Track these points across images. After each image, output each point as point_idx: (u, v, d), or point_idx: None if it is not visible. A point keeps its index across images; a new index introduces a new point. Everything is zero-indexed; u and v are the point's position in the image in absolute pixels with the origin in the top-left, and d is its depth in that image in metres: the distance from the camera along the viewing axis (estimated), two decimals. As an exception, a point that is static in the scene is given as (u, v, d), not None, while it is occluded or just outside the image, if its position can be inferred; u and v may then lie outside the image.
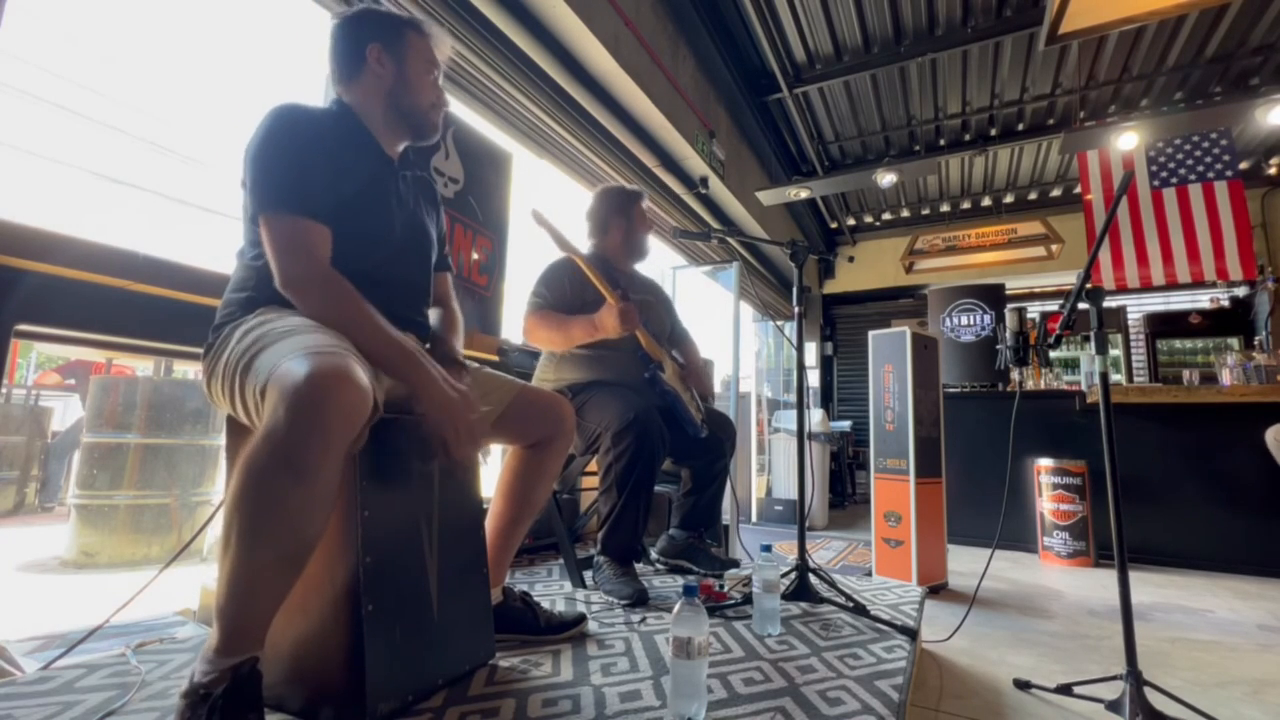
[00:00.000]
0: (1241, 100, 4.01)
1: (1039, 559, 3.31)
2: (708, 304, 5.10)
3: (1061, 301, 1.47)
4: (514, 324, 1.89)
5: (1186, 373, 3.81)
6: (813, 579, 1.68)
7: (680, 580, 1.83)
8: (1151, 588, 2.70)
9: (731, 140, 4.70)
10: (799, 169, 5.97)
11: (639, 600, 1.54)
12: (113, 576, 2.87)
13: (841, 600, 1.59)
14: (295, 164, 0.99)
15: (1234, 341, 5.83)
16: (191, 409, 3.35)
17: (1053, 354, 5.45)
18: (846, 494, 5.97)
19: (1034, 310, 7.07)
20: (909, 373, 2.59)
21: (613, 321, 1.63)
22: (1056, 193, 6.51)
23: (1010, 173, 6.21)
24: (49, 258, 1.21)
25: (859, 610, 1.52)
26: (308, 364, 0.79)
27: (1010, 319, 1.88)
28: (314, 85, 2.07)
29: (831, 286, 7.80)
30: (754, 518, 4.68)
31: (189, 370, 4.08)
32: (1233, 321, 5.95)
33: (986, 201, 6.77)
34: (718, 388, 4.00)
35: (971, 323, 4.20)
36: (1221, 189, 4.36)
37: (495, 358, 2.24)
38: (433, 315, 1.30)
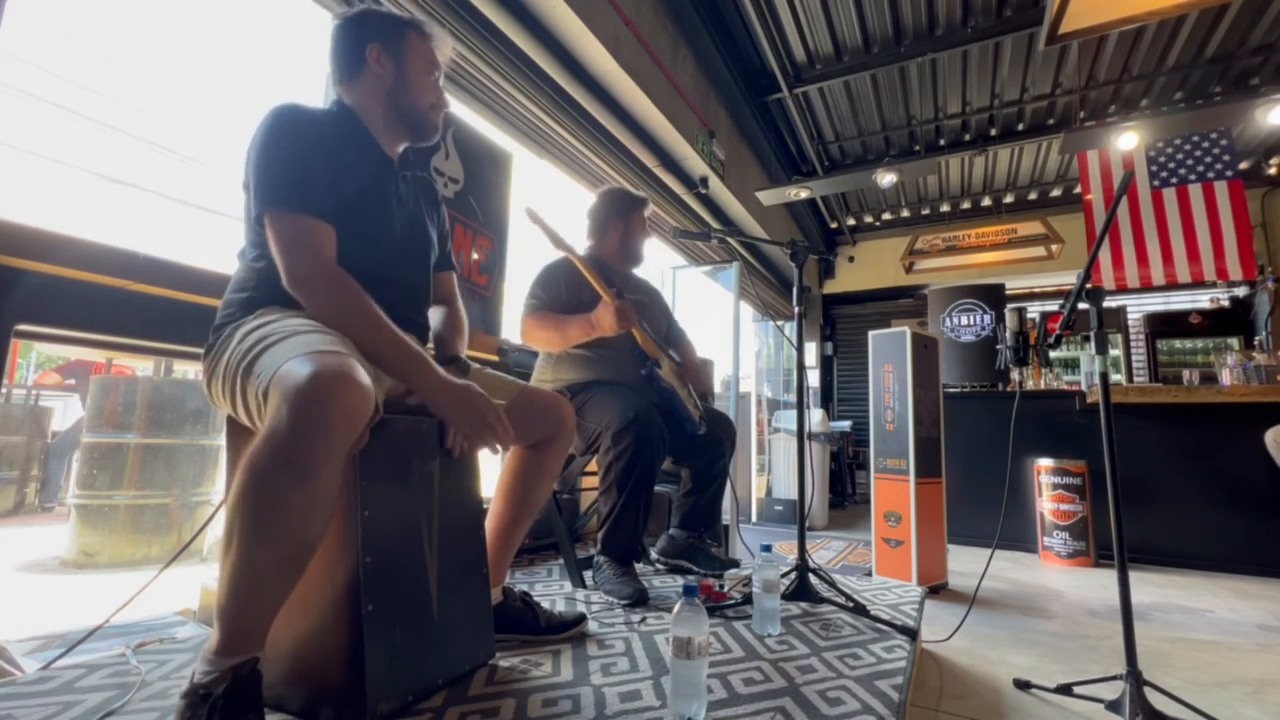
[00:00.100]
0: (1241, 100, 4.01)
1: (1039, 559, 3.31)
2: (708, 304, 5.12)
3: (1061, 301, 1.47)
4: (514, 324, 1.89)
5: (1186, 373, 3.81)
6: (813, 579, 1.68)
7: (680, 580, 1.83)
8: (1151, 588, 2.70)
9: (731, 140, 4.70)
10: (799, 169, 5.97)
11: (639, 600, 1.54)
12: (113, 576, 2.87)
13: (841, 600, 1.59)
14: (297, 163, 0.99)
15: (1234, 341, 5.83)
16: (191, 409, 3.35)
17: (1053, 354, 5.45)
18: (846, 494, 5.97)
19: (1034, 310, 7.07)
20: (909, 373, 2.59)
21: (609, 319, 1.63)
22: (1056, 193, 6.51)
23: (1010, 173, 6.21)
24: (49, 258, 1.22)
25: (859, 610, 1.52)
26: (310, 365, 0.79)
27: (1010, 319, 1.88)
28: (314, 85, 2.07)
29: (831, 286, 7.80)
30: (754, 518, 4.68)
31: (189, 370, 4.08)
32: (1233, 321, 5.95)
33: (986, 201, 6.77)
34: (718, 388, 4.00)
35: (971, 323, 4.20)
36: (1221, 189, 4.36)
37: (495, 358, 2.24)
38: (436, 315, 1.30)
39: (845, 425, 6.36)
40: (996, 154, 5.69)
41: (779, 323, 6.88)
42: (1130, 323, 6.49)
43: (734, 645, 1.29)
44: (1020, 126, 5.22)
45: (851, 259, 7.69)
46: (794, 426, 4.17)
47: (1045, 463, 3.36)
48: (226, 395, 0.96)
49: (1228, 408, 3.11)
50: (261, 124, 1.01)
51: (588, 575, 1.73)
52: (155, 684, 1.00)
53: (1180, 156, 4.50)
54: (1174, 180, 4.49)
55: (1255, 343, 5.19)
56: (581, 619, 1.33)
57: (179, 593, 1.72)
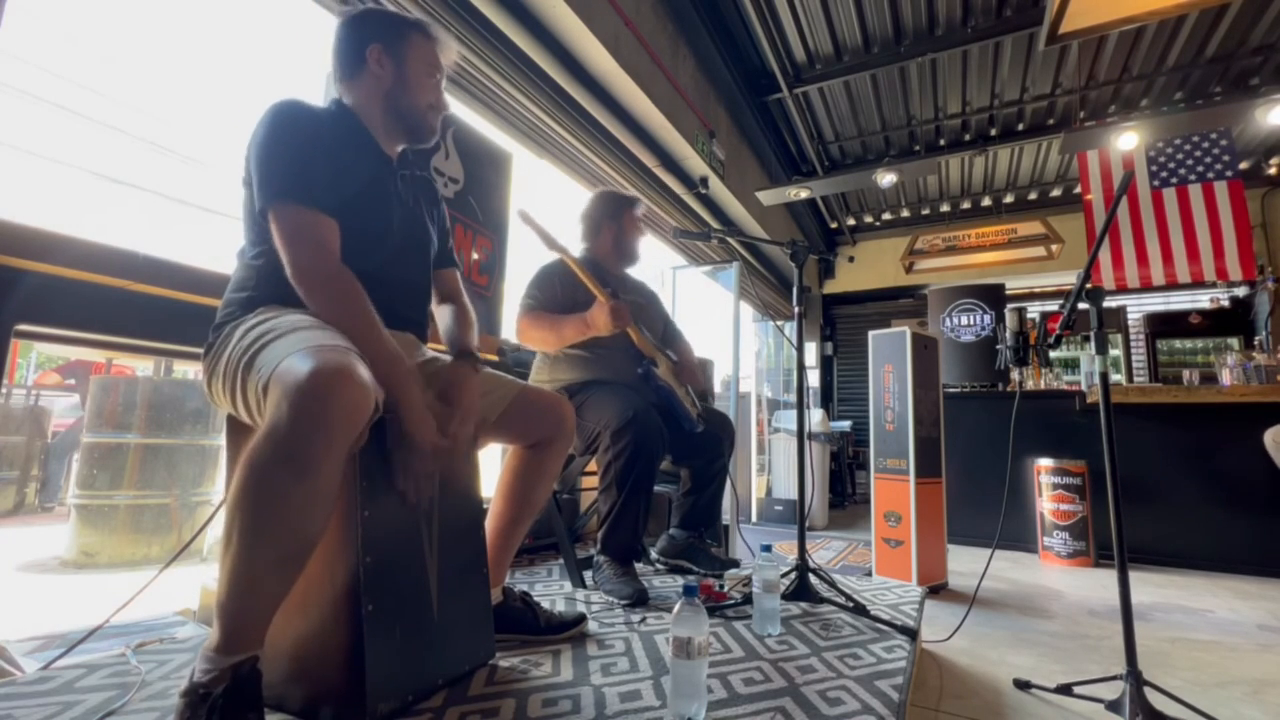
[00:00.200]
0: (1241, 100, 4.01)
1: (1039, 559, 3.31)
2: (708, 304, 5.11)
3: (1061, 301, 1.47)
4: (512, 324, 1.89)
5: (1186, 373, 3.81)
6: (813, 579, 1.68)
7: (680, 580, 1.83)
8: (1151, 588, 2.70)
9: (731, 140, 4.70)
10: (799, 169, 5.98)
11: (639, 600, 1.54)
12: (113, 576, 2.87)
13: (841, 600, 1.59)
14: (300, 157, 0.99)
15: (1234, 341, 5.83)
16: (191, 409, 3.35)
17: (1053, 354, 5.45)
18: (846, 494, 5.97)
19: (1034, 310, 7.08)
20: (909, 373, 2.59)
21: (604, 318, 1.64)
22: (1056, 193, 6.51)
23: (1010, 173, 6.21)
24: (49, 258, 1.22)
25: (859, 610, 1.52)
26: (311, 361, 0.79)
27: (1010, 319, 1.88)
28: (314, 85, 2.07)
29: (831, 286, 7.80)
30: (754, 518, 4.68)
31: (189, 370, 4.08)
32: (1233, 321, 5.95)
33: (986, 201, 6.77)
34: (718, 388, 4.00)
35: (971, 323, 4.20)
36: (1221, 189, 4.36)
37: (495, 358, 2.24)
38: (446, 312, 1.30)
39: (845, 425, 6.36)
40: (996, 154, 5.69)
41: (779, 323, 6.88)
42: (1130, 323, 6.49)
43: (734, 645, 1.29)
44: (1020, 126, 5.22)
45: (851, 259, 7.69)
46: (794, 426, 4.17)
47: (1045, 463, 3.36)
48: (227, 393, 0.95)
49: (1228, 408, 3.11)
50: (262, 119, 1.01)
51: (588, 575, 1.73)
52: (155, 684, 1.00)
53: (1180, 156, 4.50)
54: (1174, 180, 4.49)
55: (1255, 343, 5.19)
56: (581, 619, 1.33)
57: (179, 593, 1.72)
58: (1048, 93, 4.77)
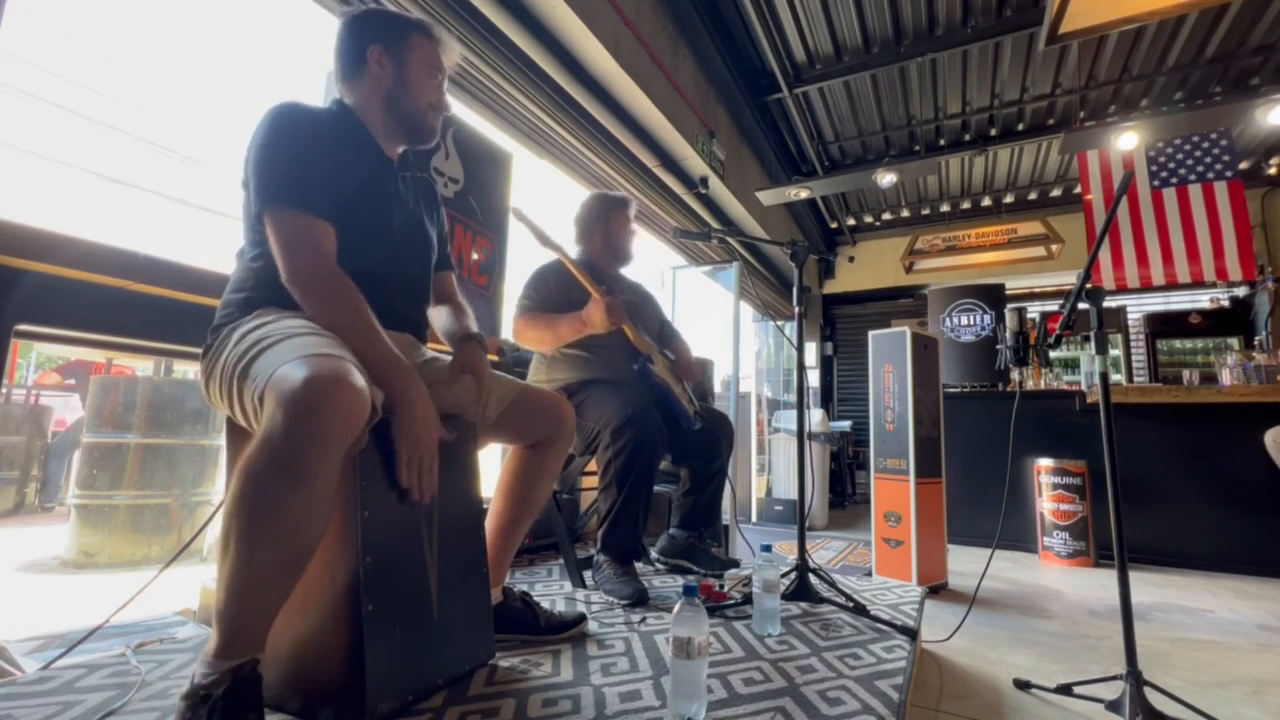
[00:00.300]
0: (1241, 100, 4.01)
1: (1039, 559, 3.31)
2: (708, 304, 5.11)
3: (1061, 301, 1.47)
4: (513, 324, 1.90)
5: (1186, 373, 3.81)
6: (813, 579, 1.68)
7: (680, 580, 1.83)
8: (1151, 588, 2.70)
9: (731, 140, 4.70)
10: (799, 169, 5.97)
11: (639, 600, 1.54)
12: (113, 576, 2.87)
13: (841, 600, 1.59)
14: (297, 160, 0.99)
15: (1234, 341, 5.83)
16: (191, 409, 3.35)
17: (1053, 354, 5.45)
18: (846, 494, 5.97)
19: (1034, 310, 7.07)
20: (909, 373, 2.59)
21: (599, 315, 1.64)
22: (1056, 193, 6.51)
23: (1010, 173, 6.21)
24: (49, 258, 1.22)
25: (859, 610, 1.52)
26: (305, 368, 0.79)
27: (1010, 319, 1.88)
28: (314, 85, 2.07)
29: (831, 286, 7.80)
30: (754, 518, 4.68)
31: (189, 370, 4.08)
32: (1233, 321, 5.95)
33: (986, 201, 6.77)
34: (718, 388, 4.00)
35: (971, 323, 4.20)
36: (1221, 189, 4.36)
37: (495, 358, 2.24)
38: (442, 311, 1.31)
39: (845, 425, 6.36)
40: (996, 154, 5.69)
41: (779, 323, 6.88)
42: (1130, 323, 6.49)
43: (734, 645, 1.29)
44: (1020, 126, 5.22)
45: (851, 259, 7.69)
46: (794, 426, 4.17)
47: (1045, 463, 3.36)
48: (224, 397, 0.96)
49: (1228, 408, 3.11)
50: (261, 122, 1.01)
51: (588, 575, 1.73)
52: (155, 684, 1.00)
53: (1180, 156, 4.50)
54: (1174, 180, 4.49)
55: (1255, 343, 5.19)
56: (581, 619, 1.33)
57: (179, 593, 1.72)
58: (1048, 93, 4.77)
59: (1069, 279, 6.60)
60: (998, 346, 1.86)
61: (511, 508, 1.29)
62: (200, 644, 1.18)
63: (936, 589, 2.52)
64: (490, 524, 1.28)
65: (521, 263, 2.61)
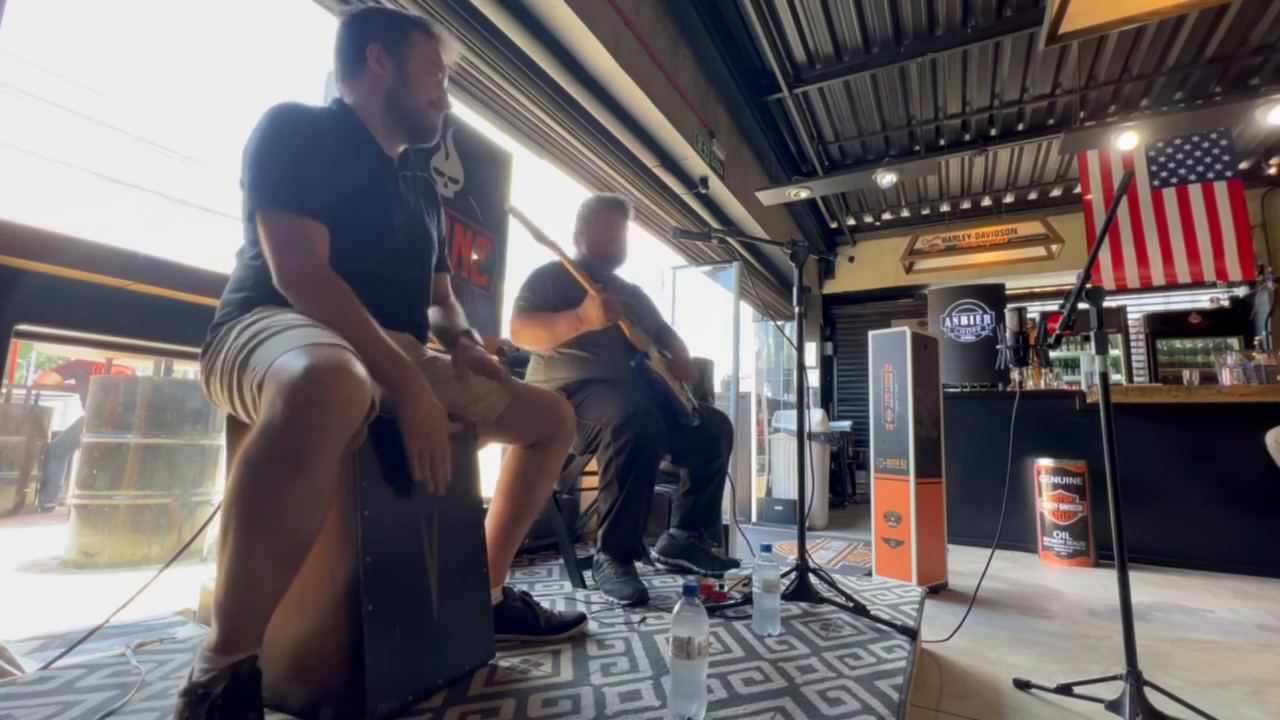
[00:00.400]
0: (1241, 100, 4.01)
1: (1039, 559, 3.31)
2: (708, 304, 5.11)
3: (1061, 301, 1.47)
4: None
5: (1186, 373, 3.81)
6: (813, 579, 1.68)
7: (680, 580, 1.83)
8: (1151, 588, 2.70)
9: (731, 140, 4.70)
10: (799, 169, 5.97)
11: (639, 600, 1.54)
12: (113, 576, 2.87)
13: (841, 600, 1.59)
14: (294, 162, 0.99)
15: (1234, 341, 5.83)
16: (191, 409, 3.35)
17: (1053, 354, 5.45)
18: (846, 494, 5.97)
19: (1034, 310, 7.07)
20: (909, 373, 2.59)
21: (595, 311, 1.65)
22: (1056, 193, 6.51)
23: (1010, 173, 6.21)
24: (49, 258, 1.22)
25: (859, 610, 1.52)
26: (306, 357, 0.78)
27: (1010, 319, 1.88)
28: (314, 85, 2.07)
29: (831, 286, 7.80)
30: (754, 518, 4.68)
31: (189, 370, 4.08)
32: (1233, 321, 5.95)
33: (986, 201, 6.77)
34: (718, 388, 4.00)
35: (971, 323, 4.20)
36: (1221, 189, 4.36)
37: (495, 357, 2.24)
38: (434, 312, 1.31)
39: (845, 425, 6.36)
40: (996, 154, 5.69)
41: (779, 323, 6.88)
42: (1130, 323, 6.49)
43: (734, 645, 1.29)
44: (1020, 126, 5.22)
45: (851, 259, 7.69)
46: (794, 426, 4.17)
47: (1045, 463, 3.36)
48: (224, 391, 0.95)
49: (1228, 408, 3.11)
50: (259, 123, 1.01)
51: (588, 575, 1.73)
52: (155, 684, 1.00)
53: (1180, 157, 4.50)
54: (1174, 180, 4.49)
55: (1255, 343, 5.19)
56: (581, 619, 1.33)
57: (179, 593, 1.72)
58: (1048, 93, 4.77)
59: (1069, 279, 6.60)
60: (998, 346, 1.86)
61: (511, 508, 1.29)
62: (200, 644, 1.18)
63: (936, 589, 2.52)
64: (490, 524, 1.28)
65: (521, 263, 2.61)
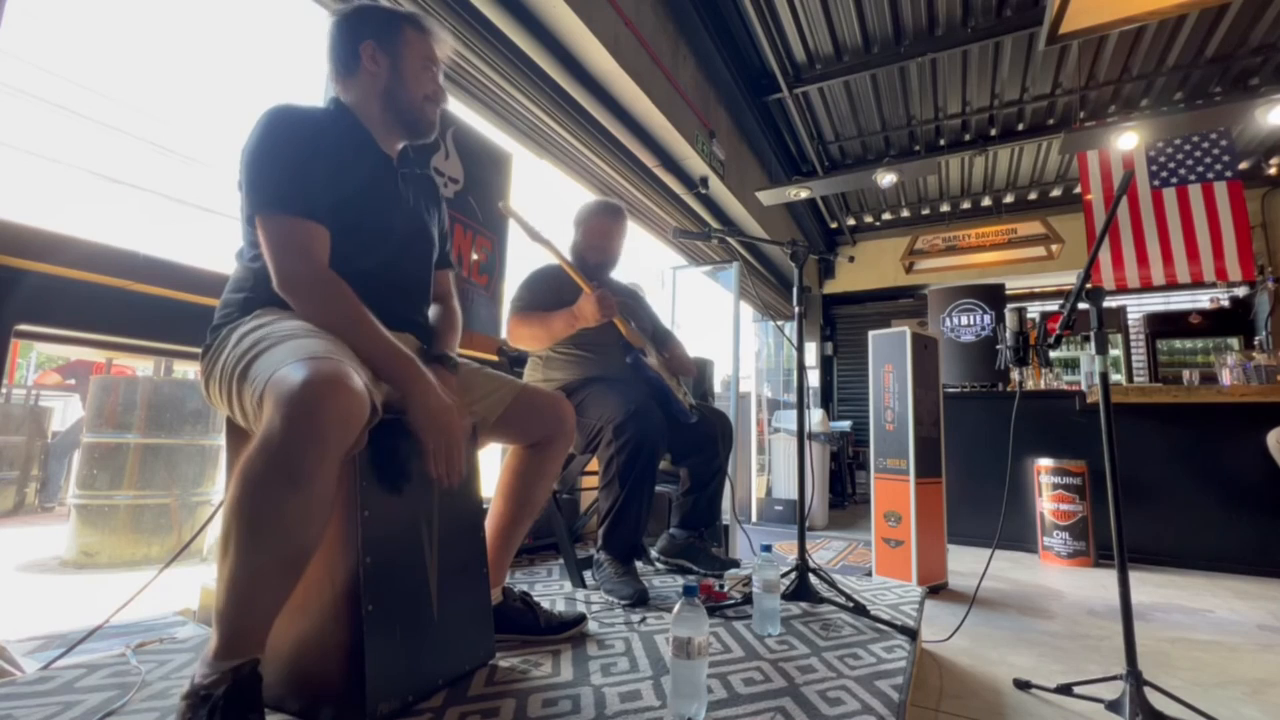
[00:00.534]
0: (1241, 100, 4.01)
1: (1039, 559, 3.31)
2: (708, 304, 5.11)
3: (1061, 301, 1.47)
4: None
5: (1186, 373, 3.81)
6: (813, 579, 1.68)
7: (680, 580, 1.83)
8: (1151, 588, 2.70)
9: (731, 140, 4.70)
10: (799, 169, 5.97)
11: (639, 600, 1.54)
12: (113, 576, 2.87)
13: (841, 600, 1.59)
14: (291, 164, 0.99)
15: (1234, 341, 5.83)
16: (191, 409, 3.35)
17: (1053, 354, 5.45)
18: (846, 494, 5.97)
19: (1034, 310, 7.08)
20: (909, 373, 2.59)
21: (590, 308, 1.66)
22: (1056, 193, 6.51)
23: (1010, 173, 6.21)
24: (49, 258, 1.22)
25: (859, 610, 1.52)
26: (304, 371, 0.79)
27: (1010, 319, 1.88)
28: (314, 85, 2.07)
29: (831, 286, 7.80)
30: (754, 518, 4.68)
31: (189, 370, 4.08)
32: (1233, 321, 5.95)
33: (986, 201, 6.77)
34: (718, 388, 4.00)
35: (971, 323, 4.20)
36: (1221, 189, 4.36)
37: (495, 358, 2.24)
38: (431, 313, 1.30)
39: (845, 425, 6.36)
40: (996, 154, 5.69)
41: (779, 323, 6.88)
42: (1130, 323, 6.49)
43: (734, 645, 1.29)
44: (1020, 126, 5.21)
45: (851, 259, 7.69)
46: (794, 426, 4.17)
47: (1045, 463, 3.36)
48: (224, 397, 0.96)
49: (1228, 408, 3.11)
50: (256, 125, 1.00)
51: (588, 575, 1.73)
52: (155, 684, 1.00)
53: (1180, 157, 4.50)
54: (1174, 180, 4.49)
55: (1255, 343, 5.20)
56: (581, 619, 1.33)
57: (179, 593, 1.72)
58: (1048, 93, 4.76)
59: (1069, 279, 6.60)
60: (998, 346, 1.86)
61: (511, 508, 1.29)
62: (200, 644, 1.18)
63: (936, 589, 2.52)
64: (490, 524, 1.28)
65: (521, 262, 2.62)
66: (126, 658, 1.10)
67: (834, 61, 4.46)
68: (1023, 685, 1.52)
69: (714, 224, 4.72)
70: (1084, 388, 4.06)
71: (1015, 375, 3.78)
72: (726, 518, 2.68)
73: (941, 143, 5.53)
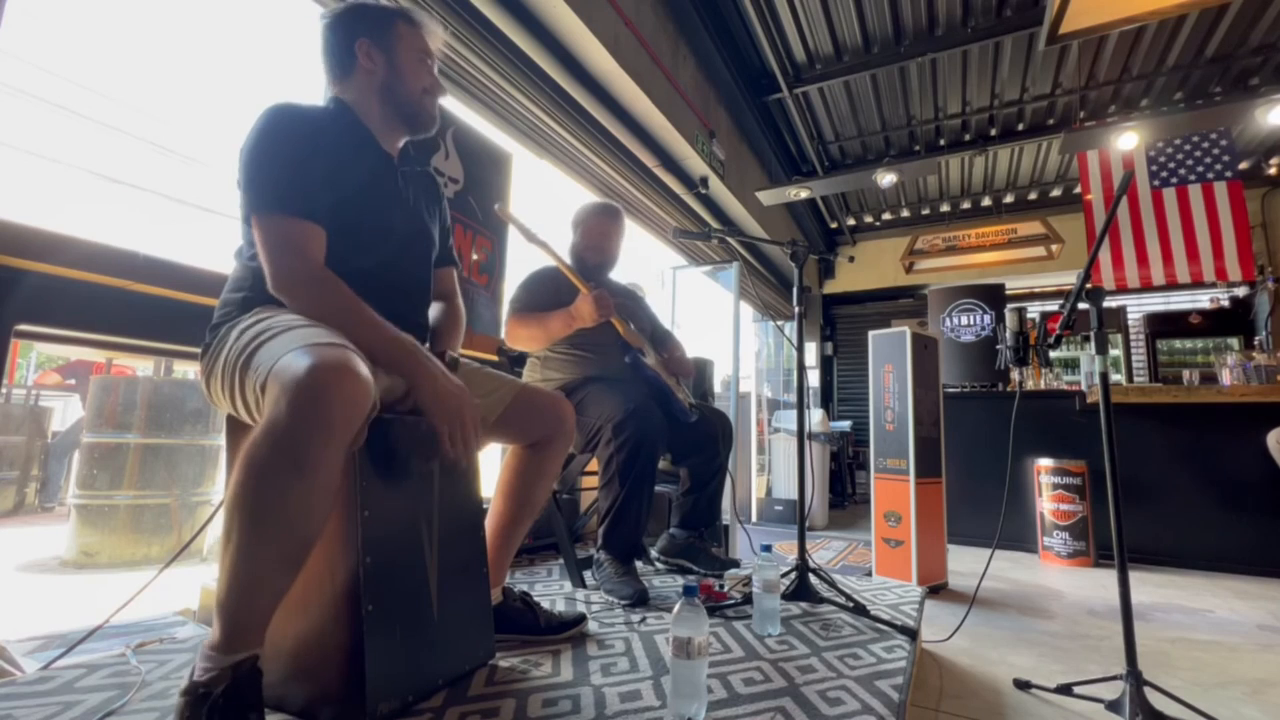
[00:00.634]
0: (1241, 100, 4.01)
1: (1039, 559, 3.31)
2: (708, 304, 5.11)
3: (1061, 301, 1.47)
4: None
5: (1186, 373, 3.81)
6: (813, 579, 1.68)
7: (680, 580, 1.83)
8: (1151, 588, 2.70)
9: (731, 140, 4.70)
10: (799, 169, 5.97)
11: (639, 600, 1.54)
12: (113, 576, 2.87)
13: (841, 600, 1.59)
14: (289, 163, 0.99)
15: (1234, 341, 5.83)
16: (191, 409, 3.35)
17: (1053, 354, 5.44)
18: (846, 494, 5.97)
19: (1034, 310, 7.08)
20: (909, 373, 2.59)
21: (588, 308, 1.67)
22: (1056, 193, 6.51)
23: (1010, 173, 6.21)
24: (49, 258, 1.22)
25: (859, 610, 1.52)
26: (309, 357, 0.78)
27: (1010, 319, 1.87)
28: (314, 85, 2.07)
29: (831, 286, 7.80)
30: (754, 518, 4.68)
31: (189, 370, 4.08)
32: (1233, 321, 5.95)
33: (986, 201, 6.77)
34: (718, 388, 4.00)
35: (971, 323, 4.20)
36: (1221, 190, 4.36)
37: (495, 357, 2.24)
38: (434, 310, 1.29)
39: (845, 425, 6.36)
40: (996, 154, 5.69)
41: (779, 323, 6.88)
42: (1130, 323, 6.49)
43: (734, 645, 1.29)
44: (1020, 126, 5.21)
45: (851, 259, 7.69)
46: (794, 426, 4.17)
47: (1045, 463, 3.36)
48: (225, 392, 0.95)
49: (1228, 408, 3.11)
50: (255, 124, 1.00)
51: (588, 575, 1.73)
52: (155, 684, 1.00)
53: (1180, 157, 4.50)
54: (1174, 180, 4.49)
55: (1255, 343, 5.19)
56: (581, 619, 1.33)
57: (179, 593, 1.72)
58: (1048, 93, 4.76)
59: (1069, 279, 6.60)
60: (998, 346, 1.86)
61: (511, 508, 1.29)
62: (200, 643, 1.18)
63: (936, 589, 2.52)
64: (490, 524, 1.28)
65: (522, 263, 2.62)
66: (126, 658, 1.10)
67: (834, 61, 4.46)
68: (1023, 685, 1.52)
69: (714, 224, 4.72)
70: (1084, 388, 4.06)
71: (1015, 375, 3.79)
72: (726, 518, 2.69)
73: (941, 143, 5.53)
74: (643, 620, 1.43)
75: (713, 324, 4.98)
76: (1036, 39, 3.78)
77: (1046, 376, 4.17)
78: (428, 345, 1.25)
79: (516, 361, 2.22)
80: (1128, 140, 4.02)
